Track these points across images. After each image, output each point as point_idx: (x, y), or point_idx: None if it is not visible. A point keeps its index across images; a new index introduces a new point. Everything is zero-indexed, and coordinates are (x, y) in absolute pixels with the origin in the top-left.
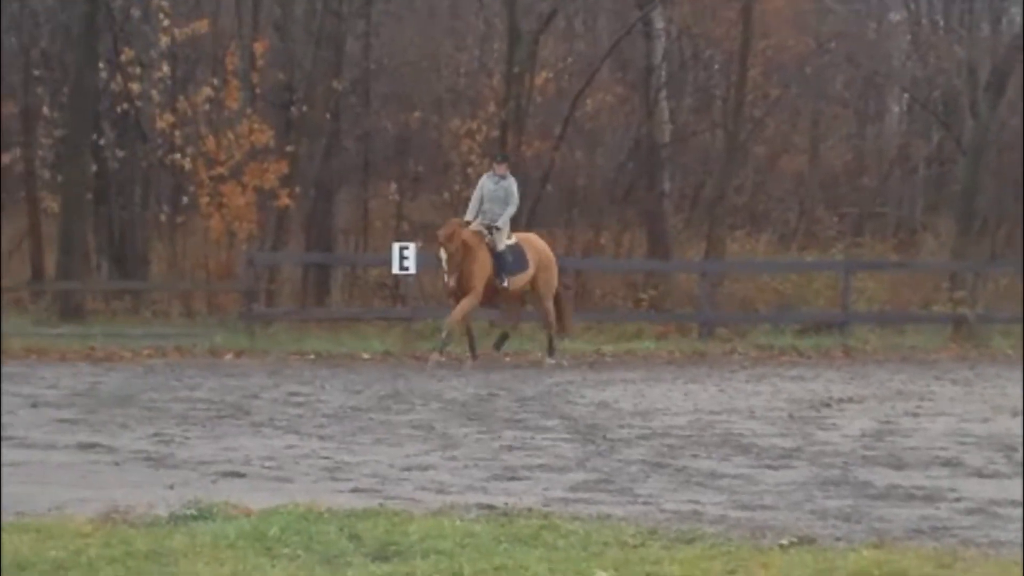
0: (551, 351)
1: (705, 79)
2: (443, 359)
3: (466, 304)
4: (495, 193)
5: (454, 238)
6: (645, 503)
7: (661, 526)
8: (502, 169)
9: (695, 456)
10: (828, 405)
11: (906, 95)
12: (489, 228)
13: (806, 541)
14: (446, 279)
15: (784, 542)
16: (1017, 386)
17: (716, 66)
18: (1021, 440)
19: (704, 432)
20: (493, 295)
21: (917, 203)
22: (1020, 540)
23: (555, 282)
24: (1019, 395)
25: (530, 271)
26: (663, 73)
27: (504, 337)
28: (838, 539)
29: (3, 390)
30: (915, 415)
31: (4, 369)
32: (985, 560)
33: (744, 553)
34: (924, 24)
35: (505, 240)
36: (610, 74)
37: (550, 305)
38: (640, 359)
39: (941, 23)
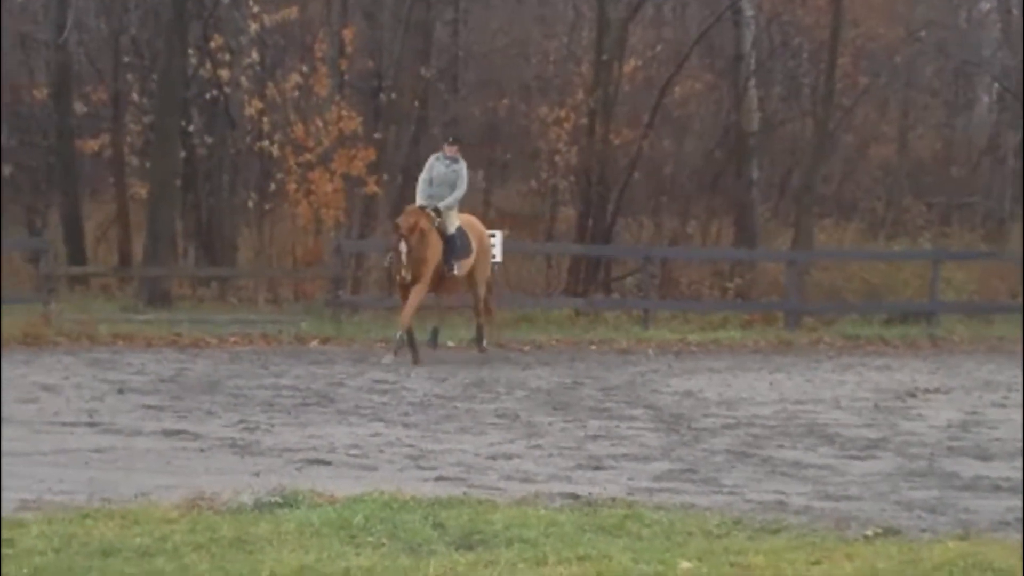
0: (481, 339)
1: (794, 67)
2: (397, 358)
3: (417, 296)
4: (446, 176)
5: (415, 229)
6: (730, 493)
7: (746, 516)
8: (452, 151)
9: (780, 446)
10: (914, 395)
11: (996, 84)
12: (437, 211)
13: (891, 532)
14: (403, 273)
15: (869, 533)
16: None
17: (805, 54)
18: None
19: (789, 422)
20: (439, 283)
21: (1006, 193)
22: None
23: (489, 268)
24: None
25: (473, 255)
26: (752, 61)
27: (436, 331)
28: (923, 530)
29: (91, 376)
30: (1002, 406)
31: (92, 355)
32: None
33: (829, 544)
34: (1014, 13)
35: (455, 223)
36: (699, 62)
37: (483, 291)
38: (726, 348)
39: None
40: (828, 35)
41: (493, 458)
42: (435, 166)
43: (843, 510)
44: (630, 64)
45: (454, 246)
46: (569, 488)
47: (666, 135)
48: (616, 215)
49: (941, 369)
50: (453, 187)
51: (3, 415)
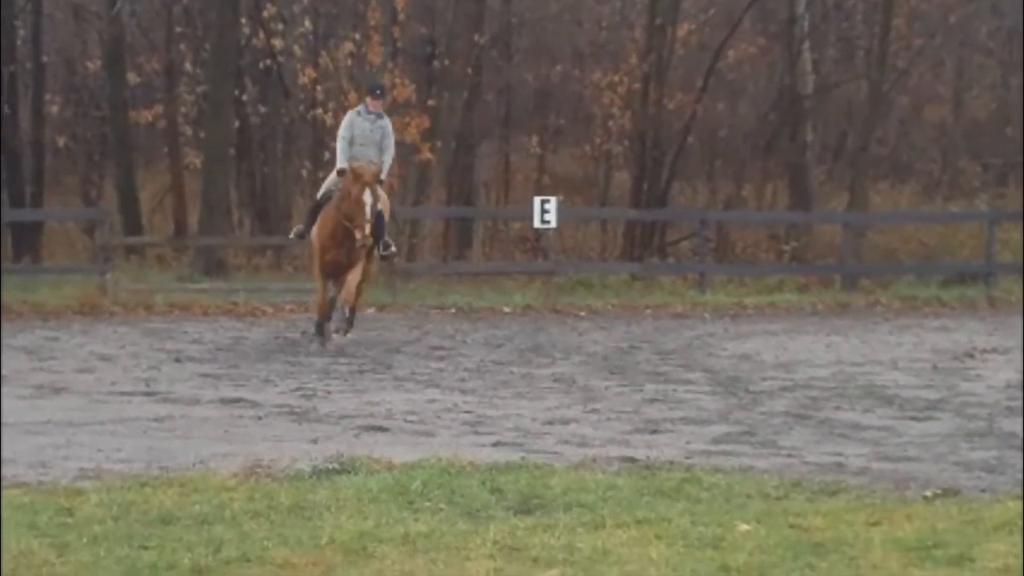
0: (351, 322)
1: (848, 29)
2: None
3: (365, 270)
4: (370, 135)
5: (374, 184)
6: (788, 455)
7: (804, 478)
8: (377, 105)
9: (838, 408)
10: (972, 356)
11: None
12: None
13: (951, 493)
14: (364, 232)
15: (928, 494)
16: None
17: (859, 16)
18: None
19: (847, 384)
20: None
21: None
22: None
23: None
24: None
25: None
26: (806, 23)
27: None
28: (983, 490)
29: (147, 345)
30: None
31: (148, 325)
32: None
33: (888, 505)
34: None
35: (382, 195)
36: (752, 25)
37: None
38: (782, 311)
39: None
40: None
41: (550, 423)
42: (356, 123)
43: (902, 471)
44: (683, 28)
45: (382, 222)
46: (626, 452)
47: (720, 99)
48: (671, 179)
49: (999, 330)
50: (380, 148)
51: (61, 385)
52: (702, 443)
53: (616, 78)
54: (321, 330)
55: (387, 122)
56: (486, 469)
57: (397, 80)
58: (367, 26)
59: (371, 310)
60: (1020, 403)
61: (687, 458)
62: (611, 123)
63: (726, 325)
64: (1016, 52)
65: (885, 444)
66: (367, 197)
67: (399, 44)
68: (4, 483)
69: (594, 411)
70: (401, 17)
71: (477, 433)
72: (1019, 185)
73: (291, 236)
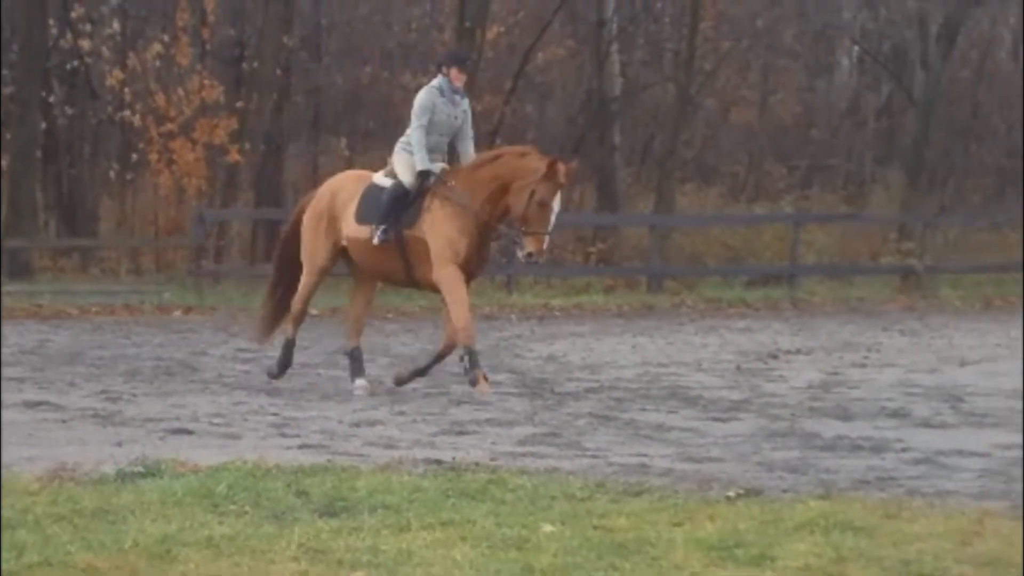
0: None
1: (656, 32)
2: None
3: None
4: (451, 121)
5: None
6: (593, 456)
7: (609, 479)
8: (462, 80)
9: (643, 409)
10: (776, 357)
11: (856, 48)
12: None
13: (753, 493)
14: (544, 245)
15: (731, 494)
16: (964, 336)
17: (667, 19)
18: (968, 390)
19: (652, 385)
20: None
21: (866, 155)
22: (966, 490)
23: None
24: (967, 345)
25: None
26: (614, 26)
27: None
28: (785, 490)
29: None
30: (862, 366)
31: None
32: (931, 510)
33: (691, 505)
34: None
35: None
36: (561, 28)
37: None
38: (589, 313)
39: None
40: (690, 0)
41: (357, 425)
42: (439, 105)
43: (705, 471)
44: (492, 30)
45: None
46: (433, 454)
47: (528, 101)
48: None
49: (802, 331)
50: (459, 137)
51: None
52: (508, 444)
53: (425, 80)
54: (473, 360)
55: (468, 103)
56: (292, 472)
57: (206, 82)
58: (176, 27)
59: (177, 312)
60: (822, 404)
61: (492, 460)
62: None
63: (533, 327)
64: (822, 55)
65: (689, 445)
66: (557, 203)
67: (208, 46)
68: None
69: (401, 413)
70: (211, 19)
71: (283, 435)
72: (823, 187)
73: (375, 241)
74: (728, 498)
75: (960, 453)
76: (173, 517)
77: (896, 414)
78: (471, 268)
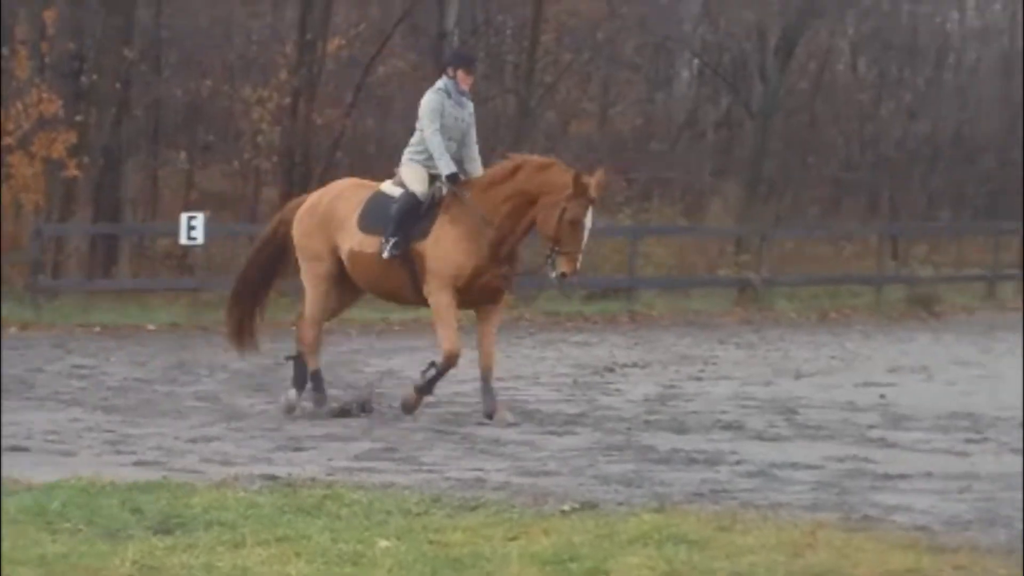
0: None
1: (497, 45)
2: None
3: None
4: (459, 124)
5: None
6: (429, 471)
7: (445, 494)
8: (468, 82)
9: (480, 424)
10: (612, 370)
11: (696, 60)
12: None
13: (588, 506)
14: (577, 265)
15: (566, 507)
16: (800, 348)
17: (508, 31)
18: (802, 403)
19: None
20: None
21: (705, 168)
22: (799, 502)
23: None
24: (802, 357)
25: None
26: (455, 39)
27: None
28: (620, 504)
29: None
30: (698, 379)
31: None
32: (764, 522)
33: (526, 519)
34: None
35: None
36: (402, 40)
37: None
38: (426, 327)
39: None
40: (530, 12)
41: (193, 441)
42: (447, 108)
43: (541, 485)
44: (334, 43)
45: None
46: (269, 470)
47: (369, 114)
48: None
49: (639, 344)
50: (463, 143)
51: None
52: (345, 460)
53: (266, 93)
54: (490, 398)
55: (472, 106)
56: (126, 488)
57: (44, 96)
58: (14, 41)
59: (13, 329)
60: (658, 417)
61: (329, 475)
62: (260, 138)
63: (372, 341)
64: (662, 67)
65: (525, 459)
66: (590, 219)
67: (47, 59)
68: None
69: (238, 429)
70: (50, 32)
71: (119, 452)
72: (662, 199)
73: (384, 255)
74: (563, 512)
75: (794, 466)
76: (6, 535)
77: (731, 427)
78: (480, 291)
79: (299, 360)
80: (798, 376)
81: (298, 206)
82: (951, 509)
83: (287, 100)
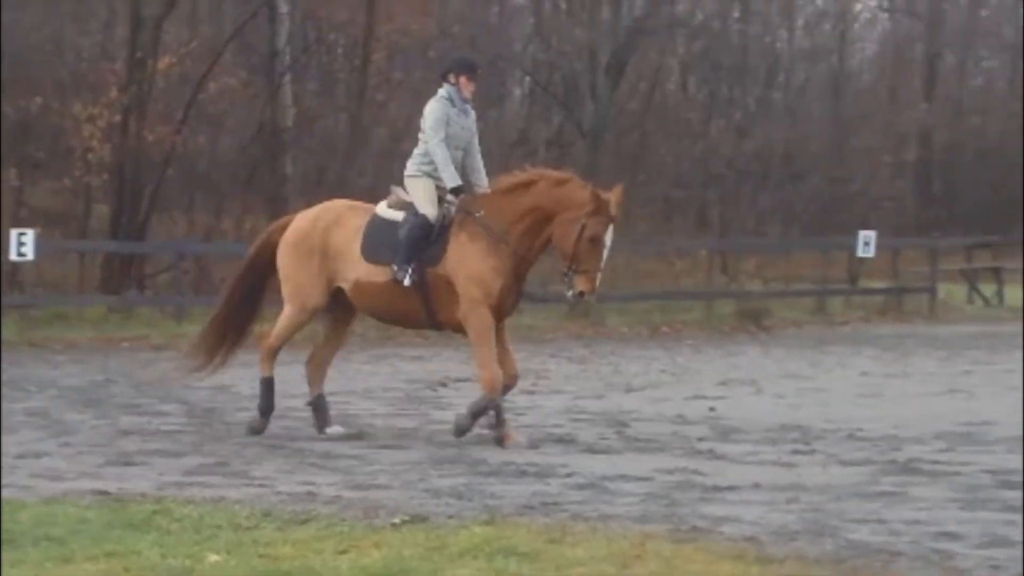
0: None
1: (329, 63)
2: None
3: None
4: (463, 134)
5: None
6: (260, 485)
7: (275, 508)
8: (471, 89)
9: (312, 438)
10: (445, 385)
11: (527, 79)
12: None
13: (419, 519)
14: (596, 284)
15: (397, 521)
16: (630, 362)
17: (340, 50)
18: (632, 416)
19: None
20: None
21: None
22: (628, 514)
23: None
24: (632, 371)
25: None
26: (287, 57)
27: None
28: (450, 517)
29: None
30: (531, 393)
31: None
32: (593, 534)
33: (357, 533)
34: (547, 8)
35: None
36: (233, 58)
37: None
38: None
39: (563, 6)
40: (362, 31)
41: (22, 457)
42: (452, 116)
43: (372, 499)
44: (164, 60)
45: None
46: (98, 485)
47: (201, 131)
48: (150, 212)
49: (472, 359)
50: (467, 151)
51: None
52: (175, 475)
53: (96, 111)
54: (499, 419)
55: (474, 115)
56: None
57: None
58: None
59: None
60: (490, 431)
61: (159, 490)
62: (91, 156)
63: None
64: (493, 85)
65: (356, 472)
66: (610, 237)
67: None
68: None
69: (67, 444)
70: None
71: None
72: None
73: (405, 283)
74: (394, 525)
75: (624, 478)
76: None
77: (562, 440)
78: (504, 308)
79: (318, 403)
80: (629, 390)
81: (281, 229)
82: (779, 520)
83: (117, 117)
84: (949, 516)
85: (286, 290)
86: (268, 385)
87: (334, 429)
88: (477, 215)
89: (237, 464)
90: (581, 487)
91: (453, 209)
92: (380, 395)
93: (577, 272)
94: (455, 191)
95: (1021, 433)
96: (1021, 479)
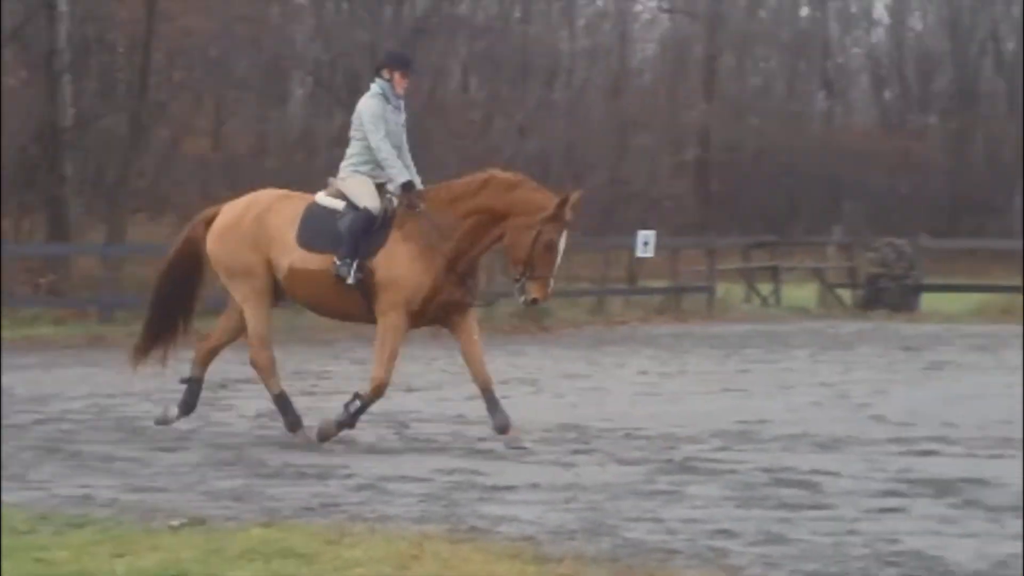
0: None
1: (109, 63)
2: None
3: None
4: (398, 131)
5: None
6: (38, 489)
7: (52, 511)
8: (404, 85)
9: (90, 441)
10: (224, 387)
11: (309, 78)
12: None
13: (197, 522)
14: (548, 291)
15: (175, 523)
16: (412, 363)
17: (120, 49)
18: (412, 416)
19: (100, 416)
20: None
21: (323, 185)
22: (407, 515)
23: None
24: (413, 372)
25: None
26: (66, 56)
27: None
28: (229, 519)
29: None
30: (311, 394)
31: None
32: (372, 534)
33: (134, 536)
34: (328, 7)
35: None
36: (12, 57)
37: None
38: (38, 345)
39: (345, 6)
40: (142, 30)
41: None
42: (388, 113)
43: (150, 502)
44: None
45: None
46: None
47: None
48: None
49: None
50: (400, 150)
51: None
52: None
53: None
54: (501, 415)
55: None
56: None
57: None
58: None
59: None
60: (270, 432)
61: None
62: None
63: (55, 357)
64: (275, 85)
65: (134, 475)
66: (563, 242)
67: None
68: None
69: None
70: None
71: None
72: None
73: (350, 280)
74: (171, 527)
75: (403, 478)
76: None
77: (342, 440)
78: (429, 313)
79: (193, 383)
80: (409, 390)
81: (207, 221)
82: (557, 519)
83: None
84: (724, 514)
85: (230, 286)
86: (283, 399)
87: (173, 412)
88: (418, 209)
89: (14, 467)
90: (360, 488)
91: (395, 201)
92: (159, 397)
93: (531, 278)
94: (405, 187)
95: (796, 431)
96: (795, 477)
